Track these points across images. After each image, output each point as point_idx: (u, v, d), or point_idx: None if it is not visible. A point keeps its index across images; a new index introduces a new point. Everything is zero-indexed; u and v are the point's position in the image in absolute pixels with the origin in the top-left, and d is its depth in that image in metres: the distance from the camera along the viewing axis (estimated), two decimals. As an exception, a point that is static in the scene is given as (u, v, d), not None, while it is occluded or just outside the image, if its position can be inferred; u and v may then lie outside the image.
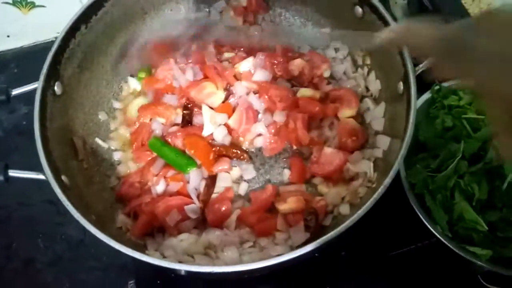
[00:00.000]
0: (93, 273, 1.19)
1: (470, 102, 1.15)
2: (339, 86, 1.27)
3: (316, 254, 1.14)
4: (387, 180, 0.91)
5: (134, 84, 1.32)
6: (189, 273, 0.89)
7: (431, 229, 1.02)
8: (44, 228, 1.25)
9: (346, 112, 1.21)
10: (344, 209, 1.09)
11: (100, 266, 1.19)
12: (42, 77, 1.03)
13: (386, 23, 1.08)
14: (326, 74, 1.28)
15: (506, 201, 1.02)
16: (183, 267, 0.86)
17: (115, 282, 1.17)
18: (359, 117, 1.22)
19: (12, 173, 0.95)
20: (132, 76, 1.33)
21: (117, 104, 1.30)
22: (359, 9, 1.16)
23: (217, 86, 1.24)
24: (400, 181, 1.06)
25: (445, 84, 1.17)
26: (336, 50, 1.31)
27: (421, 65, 1.02)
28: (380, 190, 0.89)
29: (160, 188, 1.15)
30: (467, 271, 1.10)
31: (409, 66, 1.01)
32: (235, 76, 1.26)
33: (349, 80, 1.27)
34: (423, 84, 1.13)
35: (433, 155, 1.10)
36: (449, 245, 1.00)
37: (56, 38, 1.10)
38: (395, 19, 1.36)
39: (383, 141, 1.11)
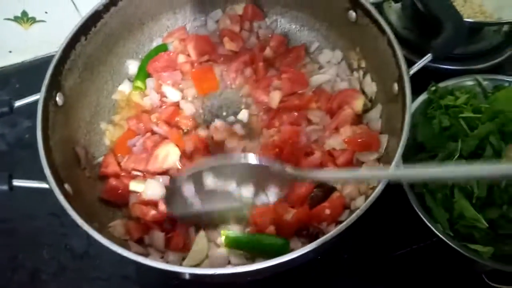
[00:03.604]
0: (97, 283, 1.19)
1: (466, 101, 1.16)
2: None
3: (319, 257, 1.15)
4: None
5: (125, 87, 1.32)
6: (192, 276, 0.89)
7: (432, 228, 1.01)
8: (49, 240, 1.26)
9: (358, 103, 1.20)
10: (360, 201, 1.07)
11: (104, 276, 1.20)
12: (43, 88, 1.04)
13: (379, 26, 1.09)
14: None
15: (505, 198, 1.02)
16: (185, 270, 0.87)
17: (119, 291, 1.18)
18: (357, 118, 1.22)
19: (16, 182, 0.96)
20: (129, 80, 1.34)
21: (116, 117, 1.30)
22: (352, 13, 1.18)
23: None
24: (400, 181, 1.06)
25: (441, 84, 1.19)
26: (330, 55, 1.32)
27: (414, 66, 1.03)
28: (380, 186, 0.89)
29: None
30: (471, 270, 1.10)
31: (403, 67, 1.02)
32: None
33: (342, 83, 1.27)
34: (420, 85, 1.14)
35: (432, 155, 1.10)
36: (450, 243, 0.99)
37: (57, 52, 1.12)
38: (389, 22, 1.40)
39: (382, 140, 1.12)
